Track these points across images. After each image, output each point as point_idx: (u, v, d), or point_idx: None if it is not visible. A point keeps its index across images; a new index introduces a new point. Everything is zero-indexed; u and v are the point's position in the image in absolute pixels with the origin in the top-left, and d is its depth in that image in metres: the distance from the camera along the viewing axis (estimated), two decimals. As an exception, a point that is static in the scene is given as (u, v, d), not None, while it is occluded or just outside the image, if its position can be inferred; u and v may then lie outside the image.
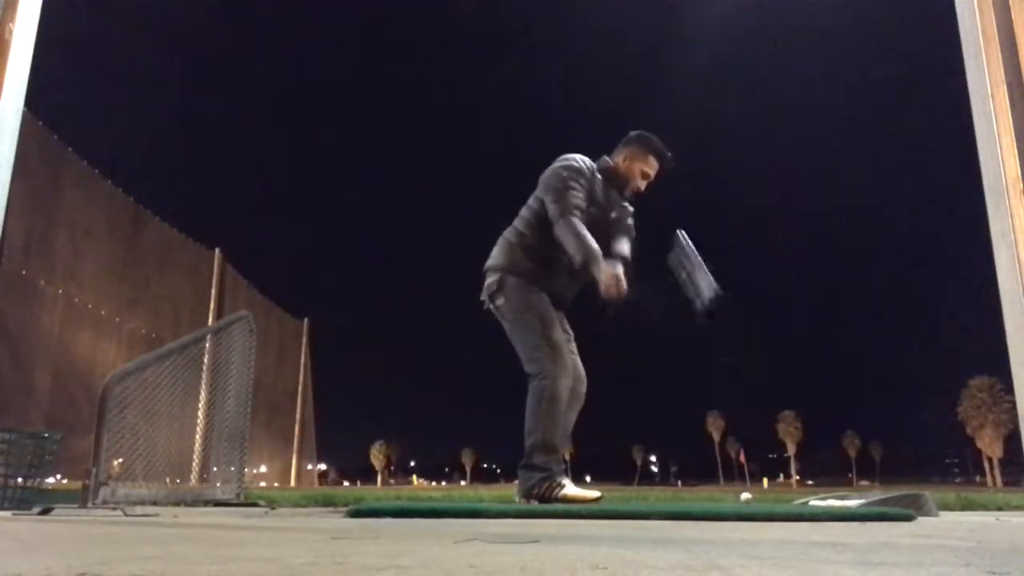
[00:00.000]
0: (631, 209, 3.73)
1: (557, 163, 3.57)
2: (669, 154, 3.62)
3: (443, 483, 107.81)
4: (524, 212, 3.61)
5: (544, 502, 3.21)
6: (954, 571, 1.08)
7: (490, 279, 3.55)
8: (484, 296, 3.59)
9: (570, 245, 3.32)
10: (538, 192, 3.56)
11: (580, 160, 3.55)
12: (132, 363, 3.89)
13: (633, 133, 3.67)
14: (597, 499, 3.28)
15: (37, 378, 6.97)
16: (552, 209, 3.40)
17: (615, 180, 3.62)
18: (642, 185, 3.62)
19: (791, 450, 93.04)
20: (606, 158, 3.66)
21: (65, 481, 5.52)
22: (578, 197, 3.42)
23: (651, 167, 3.61)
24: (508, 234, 3.62)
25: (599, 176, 3.58)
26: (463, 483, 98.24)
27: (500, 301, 3.50)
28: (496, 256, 3.59)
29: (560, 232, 3.36)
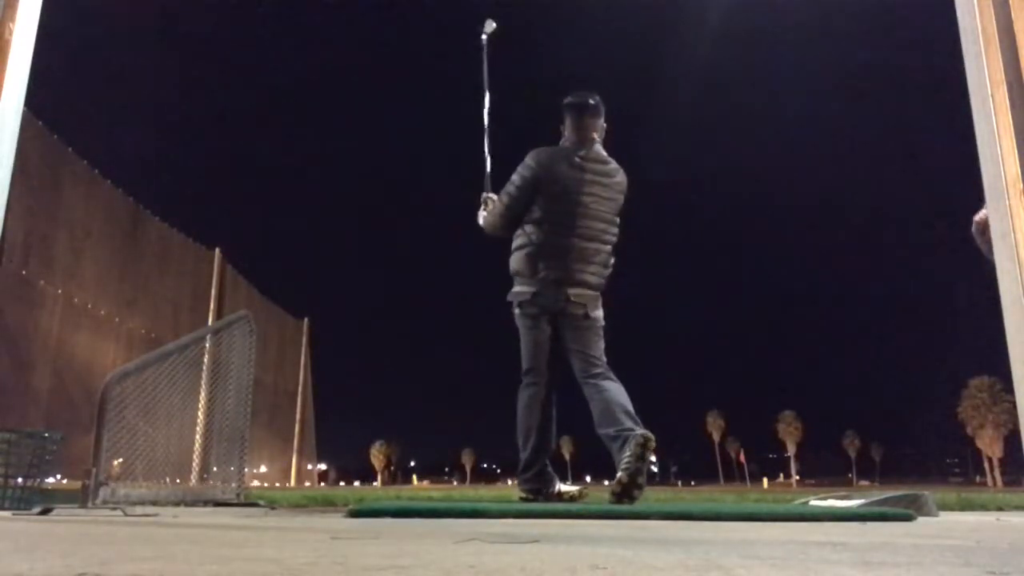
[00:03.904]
0: (614, 164, 3.86)
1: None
2: (590, 101, 3.82)
3: (452, 481, 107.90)
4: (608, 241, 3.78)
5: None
6: (954, 571, 1.08)
7: (594, 295, 3.71)
8: (585, 310, 3.66)
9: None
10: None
11: (535, 153, 3.74)
12: (132, 363, 3.88)
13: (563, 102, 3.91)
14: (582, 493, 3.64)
15: (37, 378, 6.97)
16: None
17: (576, 148, 3.77)
18: (593, 137, 3.80)
19: (791, 450, 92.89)
20: (564, 136, 3.88)
21: (65, 481, 5.51)
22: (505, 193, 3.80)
23: (582, 124, 3.80)
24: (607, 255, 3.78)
25: (562, 153, 3.76)
26: (466, 483, 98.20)
27: (597, 313, 3.70)
28: (603, 277, 3.76)
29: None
